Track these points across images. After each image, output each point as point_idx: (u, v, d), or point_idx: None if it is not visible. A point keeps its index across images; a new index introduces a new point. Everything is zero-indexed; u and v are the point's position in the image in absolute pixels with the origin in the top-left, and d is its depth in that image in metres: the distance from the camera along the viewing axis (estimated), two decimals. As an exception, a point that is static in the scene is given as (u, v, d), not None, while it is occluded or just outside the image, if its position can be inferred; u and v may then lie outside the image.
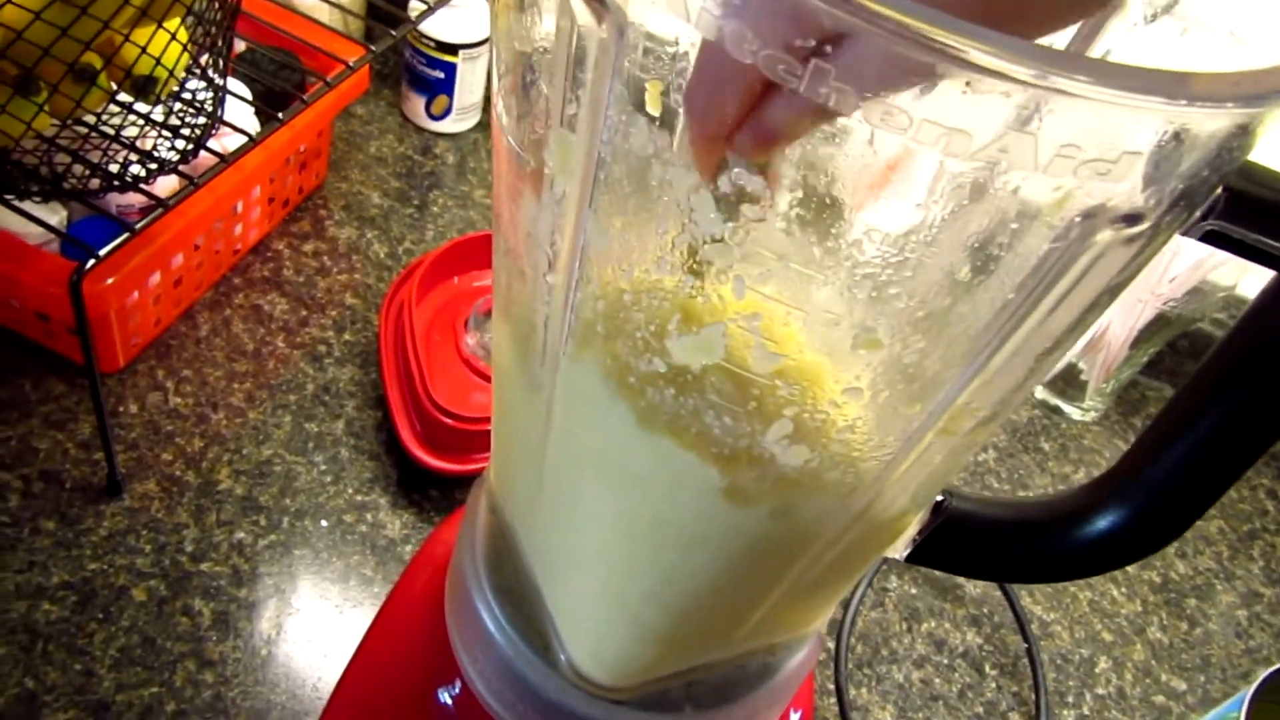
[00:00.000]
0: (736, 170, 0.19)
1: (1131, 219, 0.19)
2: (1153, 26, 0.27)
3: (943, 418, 0.24)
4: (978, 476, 0.75)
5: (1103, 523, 0.30)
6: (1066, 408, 0.81)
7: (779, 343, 0.22)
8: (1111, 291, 0.22)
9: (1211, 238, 0.23)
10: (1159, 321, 0.73)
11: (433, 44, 0.80)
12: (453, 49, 0.80)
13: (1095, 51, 0.28)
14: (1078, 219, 0.19)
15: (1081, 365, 0.78)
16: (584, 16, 0.20)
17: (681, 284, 0.22)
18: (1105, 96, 0.16)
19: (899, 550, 0.34)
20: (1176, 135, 0.18)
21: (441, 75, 0.81)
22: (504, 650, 0.36)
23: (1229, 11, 0.27)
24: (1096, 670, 0.65)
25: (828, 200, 0.20)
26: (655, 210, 0.21)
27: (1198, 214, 0.23)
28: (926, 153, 0.17)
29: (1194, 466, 0.28)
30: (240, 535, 0.57)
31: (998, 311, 0.21)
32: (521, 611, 0.36)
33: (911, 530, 0.33)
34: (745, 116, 0.18)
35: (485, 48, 0.82)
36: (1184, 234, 0.23)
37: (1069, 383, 0.80)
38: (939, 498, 0.33)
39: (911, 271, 0.20)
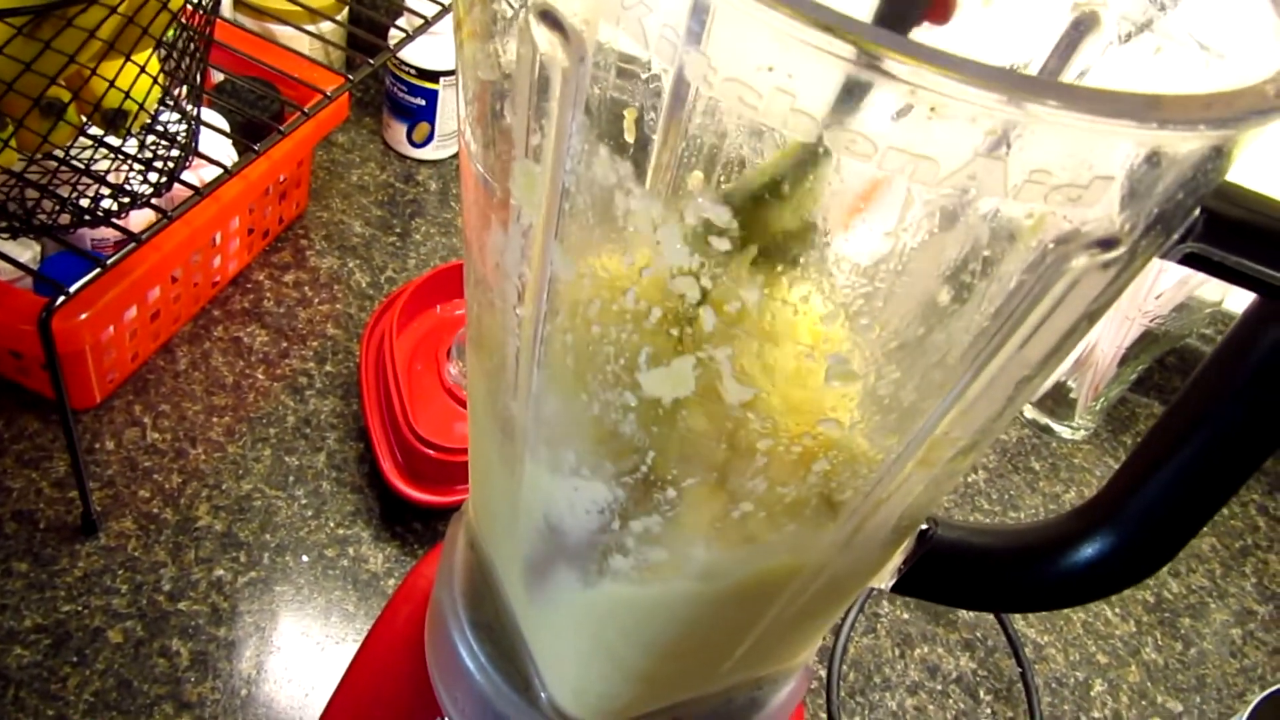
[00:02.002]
0: (701, 200, 0.19)
1: (1107, 244, 0.19)
2: (1129, 45, 0.27)
3: (922, 448, 0.23)
4: (968, 498, 0.74)
5: (1089, 550, 0.30)
6: (1056, 426, 0.80)
7: (751, 375, 0.21)
8: (1090, 317, 0.21)
9: (1191, 260, 0.23)
10: (1146, 338, 0.73)
11: (413, 71, 0.79)
12: (433, 76, 0.80)
13: (1071, 71, 0.27)
14: (1052, 245, 0.18)
15: (1070, 384, 0.78)
16: (545, 45, 0.20)
17: (650, 317, 0.21)
18: (1074, 121, 0.16)
19: (884, 581, 0.33)
20: (1149, 159, 0.17)
21: (423, 102, 0.81)
22: (484, 688, 0.35)
23: (1205, 28, 0.26)
24: (1092, 693, 0.65)
25: (796, 229, 0.19)
26: (622, 241, 0.21)
27: (1175, 236, 0.22)
28: (895, 180, 0.17)
29: (1180, 492, 0.27)
30: (219, 572, 0.56)
31: (974, 339, 0.21)
32: (501, 649, 0.35)
33: (896, 560, 0.33)
34: None
35: (466, 75, 0.82)
36: (1163, 257, 0.23)
37: (1058, 401, 0.79)
38: (923, 526, 0.32)
39: (883, 301, 0.19)
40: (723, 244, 0.19)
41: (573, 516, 0.27)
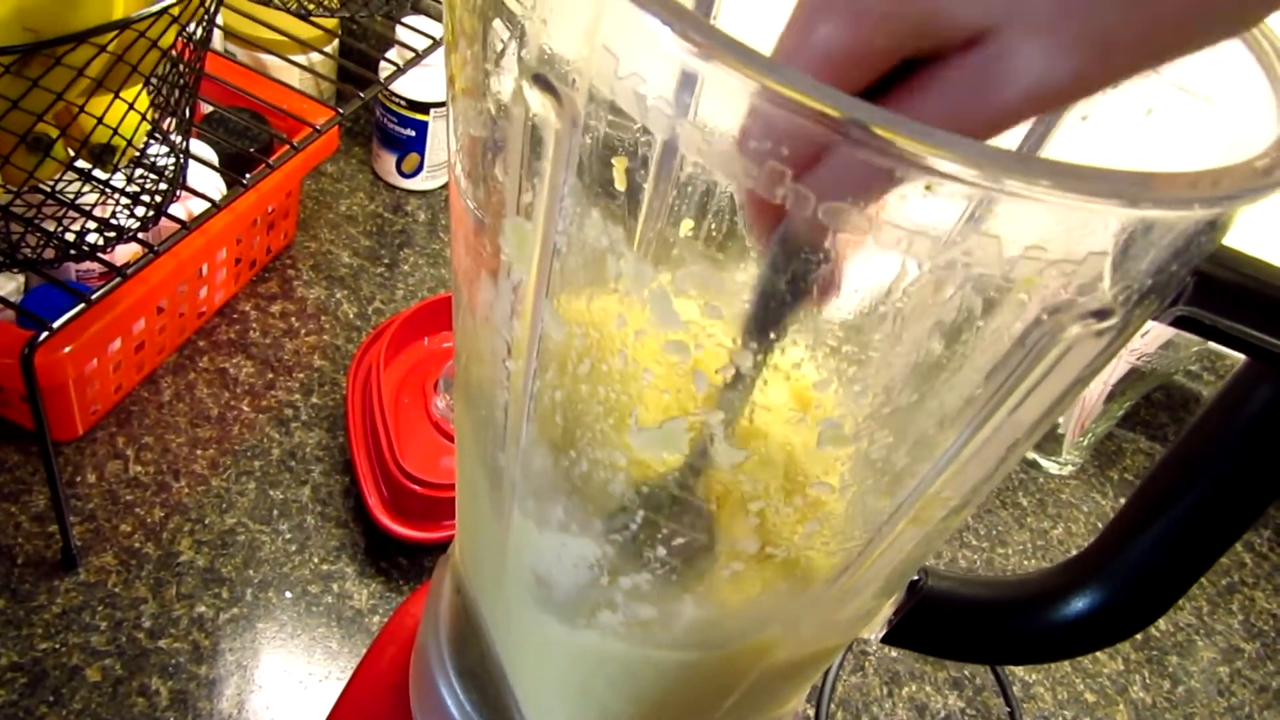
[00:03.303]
0: (694, 268, 0.19)
1: (1100, 314, 0.19)
2: (1122, 91, 0.27)
3: (913, 508, 0.23)
4: (956, 535, 0.74)
5: (1081, 603, 0.29)
6: (1044, 462, 0.80)
7: (743, 438, 0.21)
8: (1082, 381, 0.21)
9: (1182, 323, 0.23)
10: (1134, 375, 0.73)
11: (403, 102, 0.79)
12: (424, 107, 0.80)
13: (1069, 117, 0.27)
14: (1045, 315, 0.18)
15: (1058, 420, 0.78)
16: (538, 107, 0.20)
17: (641, 378, 0.21)
18: (1066, 201, 0.16)
19: (874, 630, 0.33)
20: (1141, 234, 0.17)
21: (412, 133, 0.81)
22: (469, 738, 0.35)
23: (1198, 73, 0.27)
24: (1080, 732, 0.64)
25: (788, 297, 0.19)
26: (613, 303, 0.21)
27: (1167, 302, 0.22)
28: (888, 254, 0.17)
29: (1171, 547, 0.27)
30: (201, 609, 0.56)
31: (966, 404, 0.21)
32: (486, 696, 0.35)
33: (887, 610, 0.32)
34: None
35: (456, 106, 0.82)
36: (1154, 319, 0.23)
37: (1046, 437, 0.80)
38: (914, 577, 0.32)
39: (876, 368, 0.19)
40: (714, 310, 0.19)
41: (560, 570, 0.27)
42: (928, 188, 0.15)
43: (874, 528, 0.23)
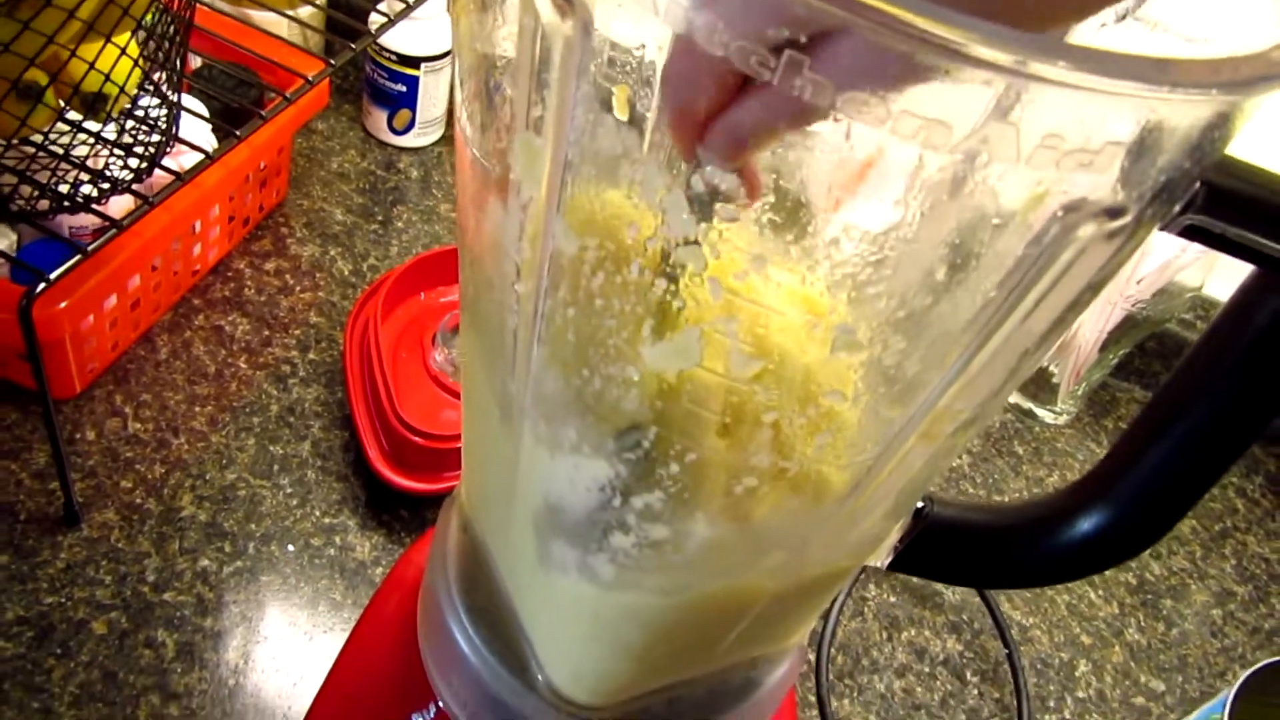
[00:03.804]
0: (709, 169, 0.19)
1: (1113, 212, 0.19)
2: (1117, 29, 0.27)
3: (924, 421, 0.23)
4: (953, 482, 0.75)
5: (1085, 526, 0.30)
6: (1039, 411, 0.81)
7: (757, 347, 0.21)
8: (1093, 288, 0.21)
9: (1191, 232, 0.23)
10: (1128, 323, 0.73)
11: (394, 57, 0.79)
12: (414, 62, 0.79)
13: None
14: (1060, 213, 0.18)
15: (1053, 369, 0.78)
16: (548, 14, 0.20)
17: (655, 288, 0.21)
18: (1087, 83, 0.16)
19: (880, 558, 0.33)
20: (1158, 124, 0.17)
21: (403, 89, 0.80)
22: (480, 672, 0.35)
23: (1191, 16, 0.26)
24: (1076, 674, 0.65)
25: (804, 199, 0.19)
26: (624, 213, 0.21)
27: (1177, 208, 0.22)
28: (905, 146, 0.17)
29: (1176, 465, 0.27)
30: (204, 563, 0.56)
31: (979, 310, 0.21)
32: (497, 632, 0.35)
33: (892, 538, 0.33)
34: (719, 110, 0.18)
35: (448, 60, 0.81)
36: (1163, 229, 0.23)
37: (1040, 386, 0.80)
38: (919, 504, 0.32)
39: (891, 270, 0.19)
40: (729, 212, 0.19)
41: (573, 494, 0.27)
42: (947, 72, 0.15)
43: (885, 440, 0.24)
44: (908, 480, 0.27)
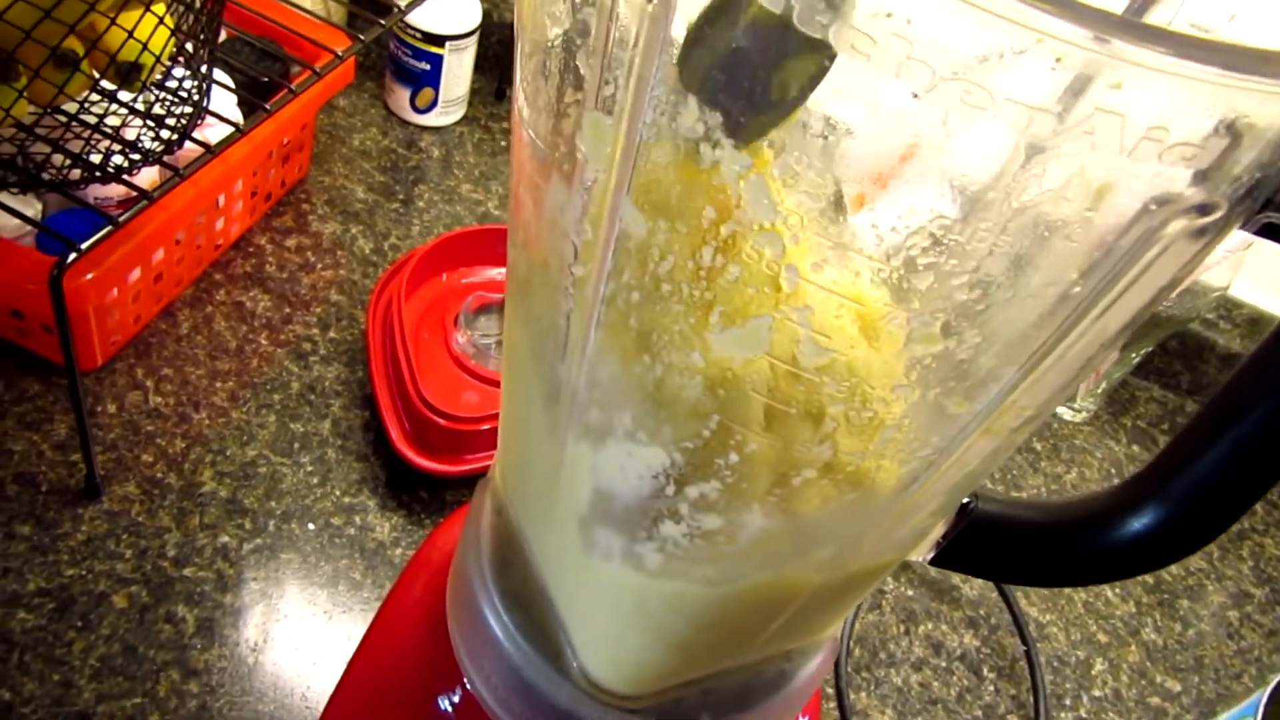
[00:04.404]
0: (795, 153, 0.18)
1: (1204, 209, 0.18)
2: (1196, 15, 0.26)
3: (991, 416, 0.23)
4: (971, 477, 0.74)
5: (1135, 524, 0.29)
6: (1058, 408, 0.80)
7: (829, 336, 0.21)
8: (1172, 285, 0.21)
9: (1268, 231, 0.23)
10: (1150, 322, 0.73)
11: (419, 35, 0.78)
12: (439, 40, 0.78)
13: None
14: (1152, 207, 0.18)
15: (1073, 365, 0.78)
16: (627, -10, 0.19)
17: (727, 274, 0.21)
18: (1190, 72, 0.15)
19: (923, 553, 0.33)
20: (1255, 119, 0.17)
21: (427, 67, 0.80)
22: (512, 657, 0.35)
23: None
24: (1093, 672, 0.65)
25: (888, 186, 0.19)
26: (700, 195, 0.20)
27: (1258, 205, 0.22)
28: (1004, 134, 0.16)
29: (1234, 465, 0.27)
30: (225, 539, 0.56)
31: (1058, 305, 0.20)
32: (531, 618, 0.35)
33: (936, 533, 0.32)
34: None
35: (472, 39, 0.80)
36: (1242, 226, 0.22)
37: (1060, 383, 0.80)
38: (965, 500, 0.32)
39: (977, 262, 0.19)
40: (811, 198, 0.19)
41: (624, 482, 0.26)
42: (1059, 60, 0.15)
43: (949, 436, 0.23)
44: (964, 476, 0.26)
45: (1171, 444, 0.28)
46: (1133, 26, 0.15)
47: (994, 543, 0.32)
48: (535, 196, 0.26)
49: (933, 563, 0.33)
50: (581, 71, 0.22)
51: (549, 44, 0.23)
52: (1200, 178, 0.18)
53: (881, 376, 0.21)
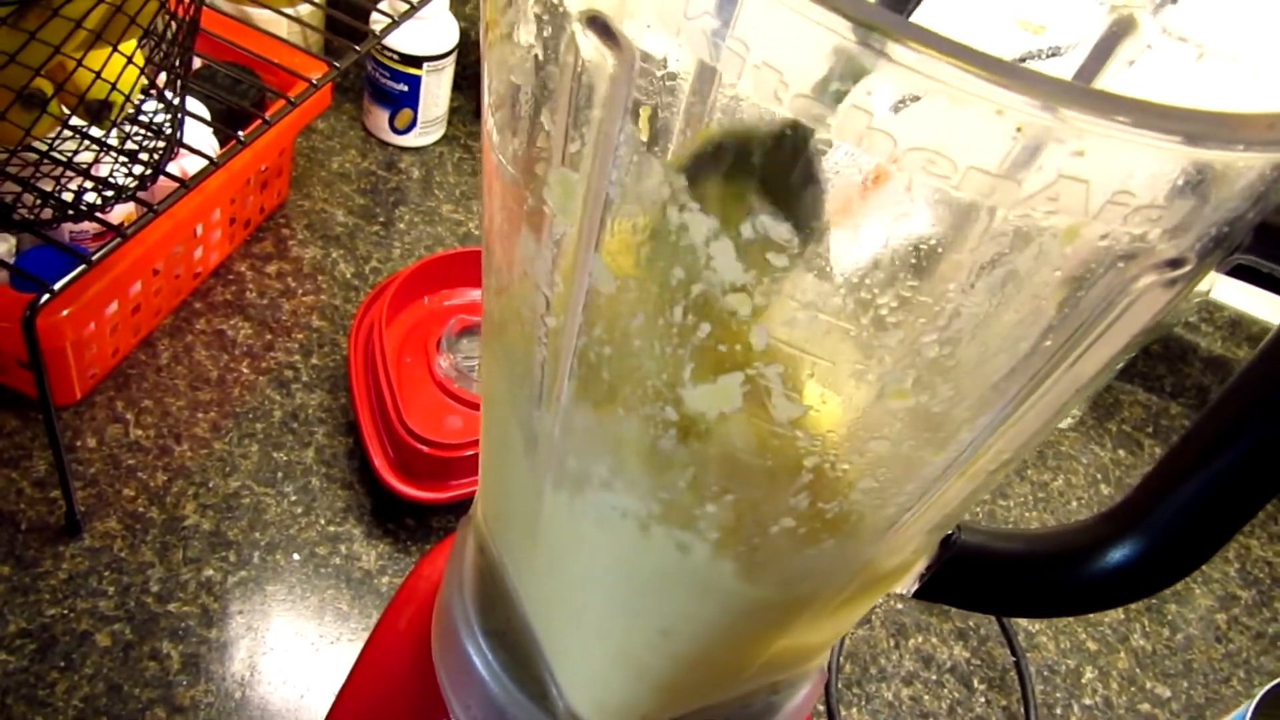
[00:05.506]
0: (761, 216, 0.18)
1: (1175, 263, 0.18)
2: (1164, 54, 0.26)
3: (967, 463, 0.23)
4: (958, 487, 0.75)
5: (1116, 556, 0.29)
6: (1042, 414, 0.81)
7: (801, 392, 0.21)
8: (1146, 334, 0.21)
9: (1239, 272, 0.23)
10: (1133, 328, 0.73)
11: (396, 56, 0.78)
12: (416, 61, 0.78)
13: (1108, 73, 0.27)
14: (1120, 264, 0.18)
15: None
16: (591, 52, 0.19)
17: (698, 333, 0.21)
18: (1149, 140, 0.15)
19: (906, 586, 0.33)
20: (1222, 175, 0.17)
21: (405, 88, 0.80)
22: (498, 696, 0.34)
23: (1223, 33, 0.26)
24: (1083, 680, 0.65)
25: (858, 249, 0.19)
26: (669, 255, 0.20)
27: (1230, 250, 0.22)
28: (968, 200, 0.16)
29: (1214, 498, 0.27)
30: (209, 572, 0.55)
31: (1030, 357, 0.20)
32: (515, 656, 0.35)
33: (920, 565, 0.32)
34: None
35: (450, 60, 0.80)
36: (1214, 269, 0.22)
37: (1044, 389, 0.80)
38: (947, 532, 0.32)
39: (947, 320, 0.19)
40: (781, 260, 0.19)
41: (602, 530, 0.26)
42: (1019, 129, 0.15)
43: (926, 483, 0.23)
44: (943, 516, 0.26)
45: (1150, 475, 0.28)
46: (1094, 97, 0.15)
47: (977, 575, 0.32)
48: (507, 245, 0.26)
49: (916, 595, 0.33)
50: (547, 128, 0.21)
51: (515, 97, 0.23)
52: (1168, 235, 0.17)
53: (856, 430, 0.21)
